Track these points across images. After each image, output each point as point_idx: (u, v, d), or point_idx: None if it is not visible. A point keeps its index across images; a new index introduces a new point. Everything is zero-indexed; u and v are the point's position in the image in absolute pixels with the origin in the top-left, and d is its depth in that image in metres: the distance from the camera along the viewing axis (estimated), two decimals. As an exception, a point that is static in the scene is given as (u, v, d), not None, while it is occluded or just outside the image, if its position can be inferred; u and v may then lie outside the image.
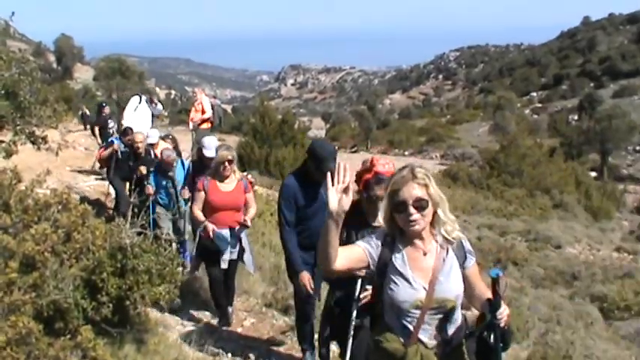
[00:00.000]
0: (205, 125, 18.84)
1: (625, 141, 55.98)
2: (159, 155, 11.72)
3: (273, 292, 9.79)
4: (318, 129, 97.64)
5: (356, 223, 5.59)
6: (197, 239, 8.48)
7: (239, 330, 8.66)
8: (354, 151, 60.79)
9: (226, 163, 7.83)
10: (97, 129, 23.16)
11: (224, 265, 8.26)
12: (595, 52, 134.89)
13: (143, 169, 11.70)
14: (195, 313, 9.22)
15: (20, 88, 9.65)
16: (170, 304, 8.84)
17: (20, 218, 5.15)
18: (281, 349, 8.12)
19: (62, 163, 21.67)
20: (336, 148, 8.49)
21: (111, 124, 20.62)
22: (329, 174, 3.61)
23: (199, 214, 8.11)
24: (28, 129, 10.11)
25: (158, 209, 10.92)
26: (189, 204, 9.74)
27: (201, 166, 9.69)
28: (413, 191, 3.72)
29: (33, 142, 10.41)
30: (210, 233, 7.84)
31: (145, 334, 5.47)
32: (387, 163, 5.69)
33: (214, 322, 8.92)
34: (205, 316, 9.18)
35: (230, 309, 9.00)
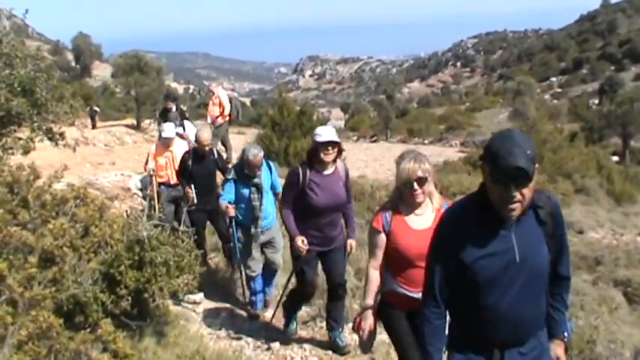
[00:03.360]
0: (222, 118, 18.88)
1: (647, 124, 55.46)
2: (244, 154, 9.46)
3: (294, 282, 9.74)
4: (337, 119, 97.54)
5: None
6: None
7: (261, 321, 8.66)
8: (374, 141, 60.60)
9: (415, 186, 4.75)
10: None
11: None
12: (615, 35, 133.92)
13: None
14: (217, 304, 9.25)
15: (36, 85, 9.71)
16: (191, 296, 9.05)
17: (38, 214, 5.19)
18: (302, 338, 8.12)
19: (82, 159, 21.84)
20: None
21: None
22: None
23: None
24: (45, 125, 10.18)
25: (240, 233, 8.61)
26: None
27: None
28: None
29: (50, 139, 10.48)
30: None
31: (165, 327, 5.49)
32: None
33: (236, 313, 8.95)
34: (227, 307, 9.20)
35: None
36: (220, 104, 18.84)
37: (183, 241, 5.22)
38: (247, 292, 8.94)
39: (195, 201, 9.87)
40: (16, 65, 9.55)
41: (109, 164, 21.61)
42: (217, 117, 18.85)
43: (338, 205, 7.11)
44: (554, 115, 60.95)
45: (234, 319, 8.68)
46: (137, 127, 37.25)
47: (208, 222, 10.46)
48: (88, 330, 4.67)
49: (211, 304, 9.26)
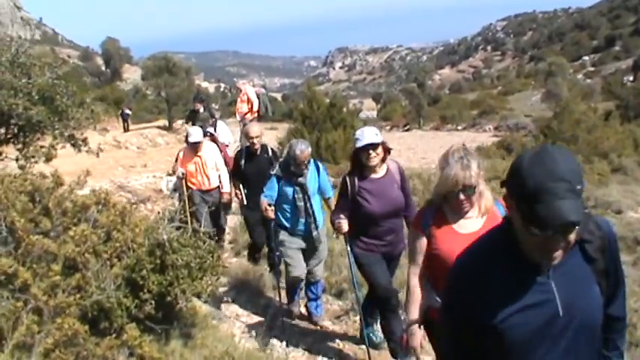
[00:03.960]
0: (251, 116, 18.91)
1: (684, 99, 54.49)
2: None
3: (327, 276, 9.68)
4: (369, 110, 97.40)
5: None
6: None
7: (293, 317, 8.62)
8: (407, 130, 60.43)
9: (461, 196, 4.19)
10: None
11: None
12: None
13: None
14: (250, 303, 9.23)
15: (56, 92, 9.75)
16: (223, 297, 9.04)
17: (60, 221, 5.18)
18: (336, 333, 8.06)
19: (115, 163, 22.05)
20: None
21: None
22: None
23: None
24: (67, 132, 10.22)
25: (283, 236, 8.00)
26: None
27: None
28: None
29: (73, 145, 10.53)
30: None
31: (192, 329, 5.46)
32: None
33: (270, 311, 8.92)
34: (261, 305, 9.18)
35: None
36: (248, 100, 18.91)
37: (204, 243, 5.18)
38: (284, 298, 8.61)
39: (245, 202, 9.66)
40: (34, 74, 9.61)
41: (141, 166, 21.79)
42: (246, 114, 18.90)
43: (395, 210, 6.57)
44: (588, 95, 60.16)
45: (266, 317, 8.64)
46: (169, 128, 37.56)
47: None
48: (114, 335, 4.66)
49: (245, 303, 9.23)
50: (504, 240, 2.58)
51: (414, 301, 4.39)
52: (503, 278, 2.56)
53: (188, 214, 10.15)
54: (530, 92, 77.92)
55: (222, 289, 9.63)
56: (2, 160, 10.17)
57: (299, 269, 7.96)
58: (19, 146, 10.27)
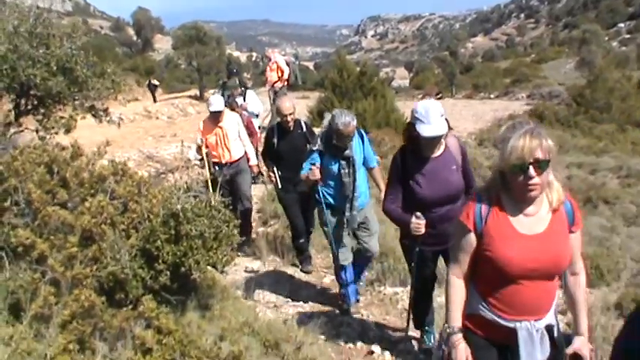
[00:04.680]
0: (280, 84, 18.94)
1: None
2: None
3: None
4: (402, 78, 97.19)
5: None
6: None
7: (318, 288, 8.60)
8: (439, 98, 59.82)
9: (532, 172, 3.35)
10: None
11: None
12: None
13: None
14: (275, 272, 9.24)
15: (76, 63, 9.70)
16: (248, 265, 9.05)
17: (77, 192, 5.17)
18: (359, 306, 8.02)
19: (145, 133, 22.15)
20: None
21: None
22: None
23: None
24: (87, 103, 10.20)
25: (327, 215, 7.45)
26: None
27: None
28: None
29: (94, 116, 10.52)
30: None
31: (209, 300, 5.44)
32: None
33: (294, 280, 8.92)
34: (286, 274, 9.18)
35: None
36: (278, 69, 18.96)
37: (219, 212, 5.13)
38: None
39: (280, 185, 8.91)
40: (53, 44, 9.57)
41: (170, 136, 21.84)
42: (275, 82, 18.96)
43: (452, 196, 5.65)
44: (623, 62, 59.32)
45: (291, 288, 8.63)
46: (200, 98, 37.67)
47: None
48: (130, 307, 4.65)
49: (270, 273, 9.24)
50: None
51: (455, 307, 3.77)
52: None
53: (210, 183, 10.13)
54: (564, 60, 76.86)
55: (246, 260, 9.65)
56: (22, 131, 10.20)
57: (345, 253, 7.42)
58: (39, 117, 10.29)
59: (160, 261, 4.72)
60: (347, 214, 7.19)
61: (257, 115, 15.17)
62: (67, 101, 10.05)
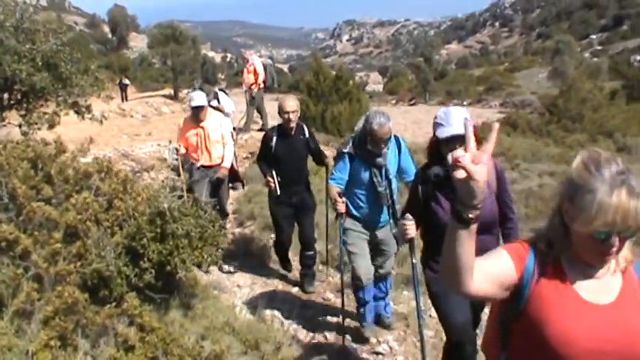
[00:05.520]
0: (256, 86, 18.96)
1: (690, 78, 54.22)
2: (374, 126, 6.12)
3: (330, 249, 9.66)
4: (375, 83, 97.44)
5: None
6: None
7: (295, 289, 8.62)
8: (413, 104, 60.29)
9: (615, 242, 2.34)
10: None
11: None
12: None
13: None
14: (252, 274, 9.24)
15: (60, 59, 9.64)
16: (225, 266, 9.03)
17: (62, 189, 5.17)
18: (336, 306, 8.05)
19: (119, 131, 22.01)
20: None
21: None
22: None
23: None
24: (70, 99, 10.15)
25: (350, 225, 6.56)
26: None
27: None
28: None
29: (77, 112, 10.47)
30: None
31: (192, 299, 5.46)
32: None
33: (271, 282, 8.92)
34: (262, 276, 9.19)
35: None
36: (255, 71, 18.93)
37: (205, 212, 5.15)
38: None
39: (279, 192, 7.94)
40: (39, 40, 9.52)
41: (145, 135, 21.73)
42: (252, 84, 18.94)
43: (484, 225, 4.13)
44: (595, 73, 59.96)
45: (268, 289, 8.66)
46: (174, 97, 37.46)
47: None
48: (114, 304, 4.65)
49: (247, 274, 9.24)
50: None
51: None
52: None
53: (185, 189, 9.48)
54: (537, 70, 77.77)
55: (224, 260, 9.65)
56: (5, 126, 10.13)
57: (365, 268, 6.50)
58: (23, 112, 10.17)
59: (145, 259, 4.74)
60: (394, 230, 6.34)
61: (228, 115, 14.90)
62: (51, 97, 9.97)
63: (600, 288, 2.48)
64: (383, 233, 6.57)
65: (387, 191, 6.27)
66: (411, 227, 4.62)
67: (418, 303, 5.13)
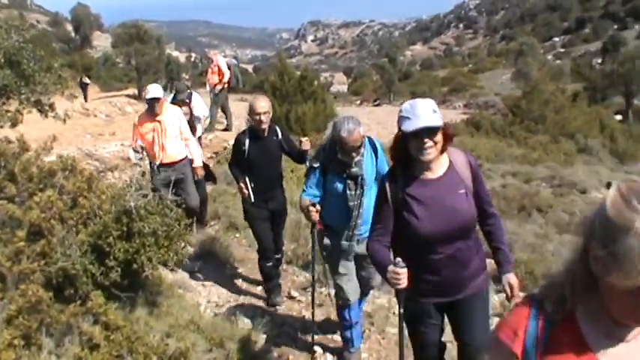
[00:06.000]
0: (220, 86, 18.96)
1: (650, 83, 55.02)
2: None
3: (293, 248, 9.70)
4: (340, 84, 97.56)
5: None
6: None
7: (259, 288, 8.62)
8: (377, 105, 60.44)
9: None
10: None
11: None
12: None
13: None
14: (216, 272, 9.23)
15: (23, 57, 9.54)
16: (190, 266, 8.99)
17: (25, 187, 5.14)
18: (301, 305, 8.09)
19: (83, 131, 21.83)
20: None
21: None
22: None
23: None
24: (33, 97, 10.05)
25: (328, 240, 6.03)
26: None
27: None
28: None
29: (40, 111, 10.37)
30: None
31: (157, 297, 5.45)
32: None
33: (235, 281, 8.92)
34: (226, 275, 9.18)
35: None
36: (219, 71, 18.93)
37: (171, 211, 5.15)
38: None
39: (253, 198, 7.48)
40: (0, 37, 9.41)
41: (109, 135, 21.56)
42: (216, 84, 18.95)
43: (460, 229, 4.14)
44: (557, 75, 60.64)
45: (232, 288, 8.66)
46: (138, 97, 37.20)
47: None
48: (79, 303, 4.64)
49: (210, 272, 9.22)
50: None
51: None
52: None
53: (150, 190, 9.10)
54: (501, 71, 78.33)
55: (188, 259, 9.61)
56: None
57: (350, 288, 5.98)
58: (-16, 110, 10.01)
59: (112, 257, 4.73)
60: (344, 242, 5.83)
61: (200, 119, 14.45)
62: (13, 95, 9.84)
63: (628, 353, 1.90)
64: (363, 248, 5.23)
65: (358, 203, 5.68)
66: (404, 277, 3.92)
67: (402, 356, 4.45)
